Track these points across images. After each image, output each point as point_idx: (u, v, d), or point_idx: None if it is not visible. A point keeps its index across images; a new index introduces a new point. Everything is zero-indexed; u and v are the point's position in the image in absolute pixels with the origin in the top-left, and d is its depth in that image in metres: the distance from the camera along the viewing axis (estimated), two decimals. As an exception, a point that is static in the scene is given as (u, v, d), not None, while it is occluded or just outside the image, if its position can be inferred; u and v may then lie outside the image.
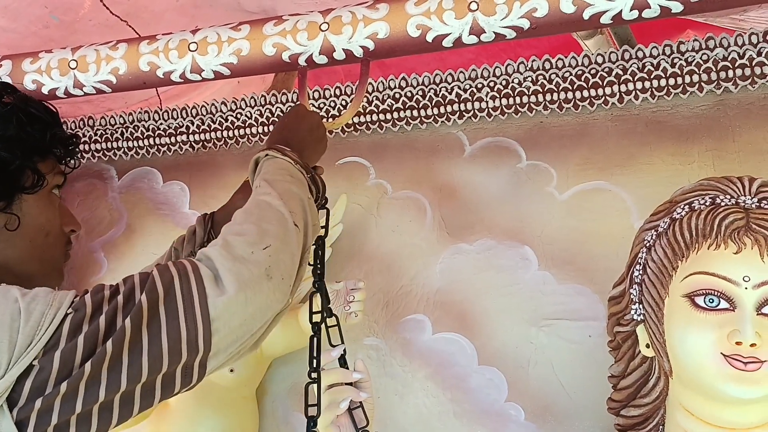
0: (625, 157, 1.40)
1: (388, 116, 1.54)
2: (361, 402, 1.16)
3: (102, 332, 0.78)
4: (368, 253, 1.52)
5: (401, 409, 1.43)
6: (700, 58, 1.34)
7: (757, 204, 0.96)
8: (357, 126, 1.57)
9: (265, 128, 1.63)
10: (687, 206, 1.00)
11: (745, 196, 0.97)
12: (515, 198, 1.46)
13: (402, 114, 1.53)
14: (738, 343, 0.91)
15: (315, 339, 1.12)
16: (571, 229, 1.40)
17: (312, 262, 1.22)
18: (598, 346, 1.29)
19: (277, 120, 1.63)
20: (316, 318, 1.14)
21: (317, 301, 1.16)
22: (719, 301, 0.94)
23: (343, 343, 1.18)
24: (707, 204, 0.99)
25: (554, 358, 1.36)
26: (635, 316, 1.06)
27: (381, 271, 1.50)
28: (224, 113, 1.66)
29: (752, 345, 0.90)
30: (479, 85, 1.48)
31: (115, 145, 1.73)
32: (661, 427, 1.05)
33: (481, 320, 1.42)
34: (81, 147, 1.75)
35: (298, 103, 1.23)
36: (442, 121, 1.52)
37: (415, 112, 1.52)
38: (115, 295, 0.81)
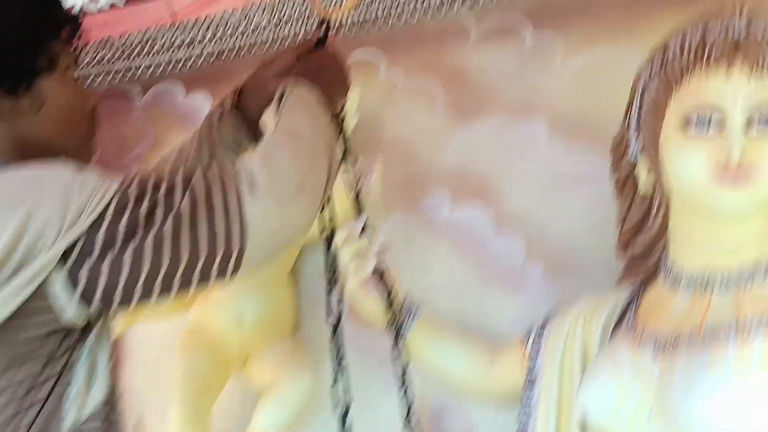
0: (632, 22, 1.41)
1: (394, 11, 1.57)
2: (383, 271, 1.22)
3: (142, 220, 0.85)
4: (384, 142, 1.58)
5: (425, 282, 1.48)
6: None
7: (747, 27, 0.97)
8: (365, 21, 1.61)
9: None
10: (679, 37, 1.02)
11: (735, 19, 0.99)
12: (523, 74, 1.49)
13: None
14: (727, 164, 0.95)
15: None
16: (581, 94, 1.44)
17: None
18: (610, 205, 1.34)
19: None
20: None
21: None
22: (708, 126, 0.97)
23: (365, 213, 1.24)
24: (698, 31, 1.00)
25: (570, 219, 1.42)
26: (634, 157, 1.11)
27: (398, 156, 1.56)
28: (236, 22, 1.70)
29: (740, 165, 0.94)
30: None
31: (134, 63, 1.78)
32: (664, 258, 1.10)
33: (498, 191, 1.48)
34: (101, 68, 1.81)
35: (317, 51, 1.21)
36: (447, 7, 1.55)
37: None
38: (157, 187, 0.87)
